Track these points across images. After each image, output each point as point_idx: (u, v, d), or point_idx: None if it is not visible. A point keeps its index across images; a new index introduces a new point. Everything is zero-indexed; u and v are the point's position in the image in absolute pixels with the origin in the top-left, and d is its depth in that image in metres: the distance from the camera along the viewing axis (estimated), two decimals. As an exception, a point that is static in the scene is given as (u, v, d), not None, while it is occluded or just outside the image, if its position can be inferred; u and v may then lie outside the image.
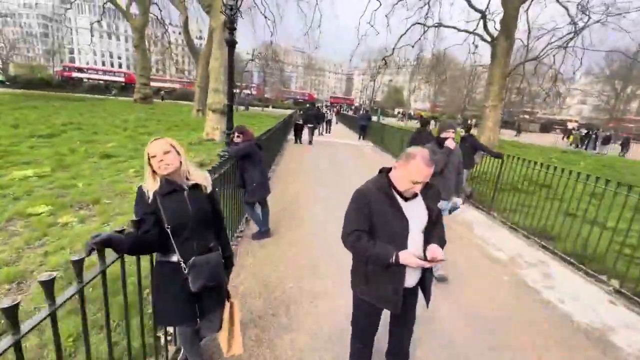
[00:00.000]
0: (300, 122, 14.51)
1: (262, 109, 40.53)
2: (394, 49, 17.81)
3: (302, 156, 11.33)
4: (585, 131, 30.89)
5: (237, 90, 30.85)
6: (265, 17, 18.66)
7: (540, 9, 15.25)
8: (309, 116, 15.21)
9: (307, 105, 28.64)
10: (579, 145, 24.95)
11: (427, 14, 17.16)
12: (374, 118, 41.14)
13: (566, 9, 15.39)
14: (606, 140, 20.26)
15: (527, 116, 53.47)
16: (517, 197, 5.72)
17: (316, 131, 16.08)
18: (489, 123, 14.82)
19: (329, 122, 19.15)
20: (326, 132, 18.56)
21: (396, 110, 52.43)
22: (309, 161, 10.31)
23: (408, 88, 40.65)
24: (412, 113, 60.98)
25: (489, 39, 15.09)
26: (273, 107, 44.58)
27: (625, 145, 20.78)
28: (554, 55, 15.76)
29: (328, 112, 18.19)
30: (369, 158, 11.63)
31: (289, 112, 27.52)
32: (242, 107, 35.94)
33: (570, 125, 50.43)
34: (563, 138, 34.70)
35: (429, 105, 70.14)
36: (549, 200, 5.25)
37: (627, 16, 13.98)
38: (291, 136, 15.47)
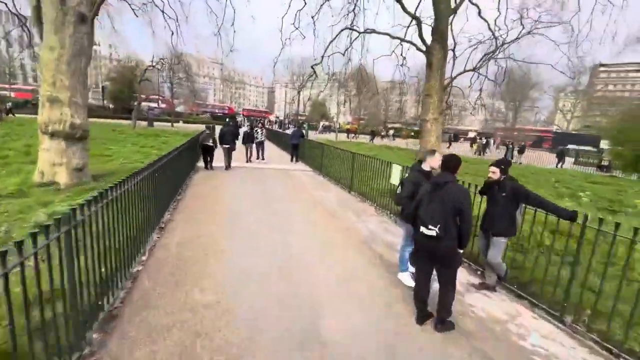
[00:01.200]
0: (210, 142, 10.93)
1: (172, 124, 34.63)
2: (322, 57, 15.61)
3: (214, 191, 7.81)
4: (485, 140, 34.47)
5: (136, 103, 24.88)
6: (165, 14, 14.45)
7: (465, 20, 14.73)
8: (225, 134, 11.69)
9: (227, 120, 24.76)
10: (482, 153, 27.40)
11: (354, 20, 15.44)
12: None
13: (487, 22, 15.37)
14: (521, 150, 21.78)
15: (437, 127, 58.54)
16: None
17: (241, 155, 12.63)
18: (431, 138, 13.52)
19: (260, 145, 13.95)
20: (259, 159, 14.06)
21: (320, 124, 51.50)
22: (221, 201, 6.91)
23: (337, 101, 39.75)
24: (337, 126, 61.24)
25: (423, 48, 13.98)
26: (186, 122, 38.75)
27: (521, 152, 22.98)
28: (486, 67, 15.58)
29: (259, 131, 13.49)
30: (314, 192, 8.78)
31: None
32: (144, 123, 29.79)
33: (471, 135, 56.96)
34: (471, 145, 37.95)
35: (351, 118, 72.21)
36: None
37: (554, 29, 14.31)
38: (201, 162, 11.70)
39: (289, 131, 36.43)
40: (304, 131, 14.13)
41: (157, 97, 38.57)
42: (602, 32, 14.70)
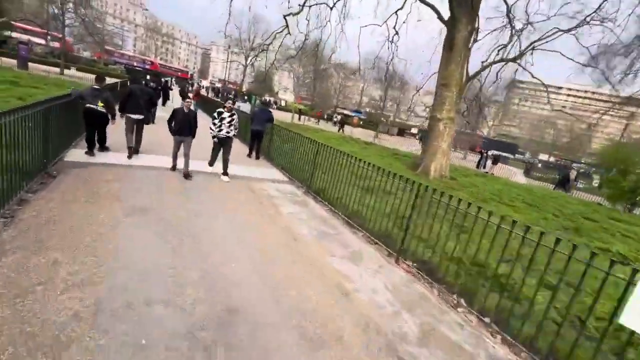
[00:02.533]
0: (98, 107, 5.67)
1: (62, 70, 24.91)
2: (302, 5, 10.73)
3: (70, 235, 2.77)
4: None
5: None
6: None
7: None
8: (135, 95, 6.36)
9: (147, 76, 17.95)
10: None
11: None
12: (245, 106, 32.58)
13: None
14: (496, 160, 20.44)
15: (384, 120, 57.57)
16: None
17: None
18: (442, 143, 10.10)
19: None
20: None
21: (265, 99, 45.29)
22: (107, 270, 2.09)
23: (294, 74, 34.18)
24: (283, 103, 55.49)
25: (445, 17, 10.23)
26: (83, 69, 28.64)
27: (495, 162, 22.23)
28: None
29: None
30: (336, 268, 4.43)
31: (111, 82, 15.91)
32: (13, 61, 20.19)
33: (414, 130, 57.70)
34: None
35: (294, 97, 66.83)
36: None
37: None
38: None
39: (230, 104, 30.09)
40: (270, 110, 9.08)
41: (32, 29, 27.38)
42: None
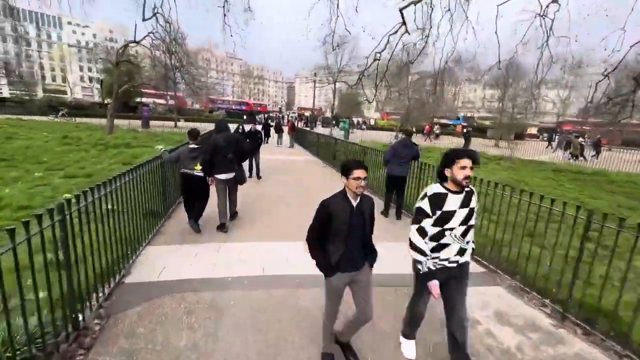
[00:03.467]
0: (192, 171, 3.81)
1: (175, 123, 27.81)
2: (403, 9, 7.84)
3: None
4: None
5: (109, 99, 17.60)
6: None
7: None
8: (220, 146, 4.42)
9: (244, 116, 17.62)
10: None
11: None
12: (336, 133, 30.89)
13: None
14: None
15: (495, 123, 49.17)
16: None
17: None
18: None
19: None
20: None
21: (355, 120, 43.63)
22: None
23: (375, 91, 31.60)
24: (372, 122, 53.11)
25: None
26: (191, 119, 31.73)
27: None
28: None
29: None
30: None
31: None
32: (138, 122, 23.10)
33: (532, 131, 47.47)
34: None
35: (379, 113, 63.63)
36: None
37: None
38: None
39: (320, 129, 27.89)
40: (415, 144, 5.73)
41: (156, 92, 31.76)
42: None
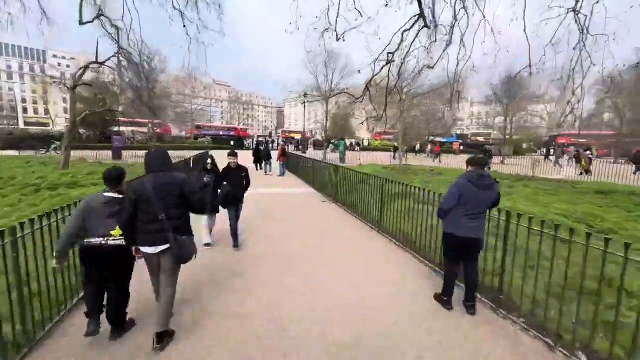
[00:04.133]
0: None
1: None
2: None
3: None
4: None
5: (66, 125, 14.66)
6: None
7: None
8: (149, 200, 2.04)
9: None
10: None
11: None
12: (330, 155, 28.75)
13: None
14: None
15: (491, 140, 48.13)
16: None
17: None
18: None
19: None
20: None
21: (348, 141, 41.85)
22: None
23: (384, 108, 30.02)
24: (365, 142, 51.54)
25: None
26: (173, 147, 29.27)
27: None
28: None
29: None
30: None
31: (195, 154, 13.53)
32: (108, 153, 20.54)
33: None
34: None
35: (371, 134, 62.40)
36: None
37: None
38: None
39: (312, 153, 25.76)
40: (496, 181, 3.10)
41: (135, 120, 29.49)
42: None
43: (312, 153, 26.48)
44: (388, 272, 4.27)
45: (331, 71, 23.92)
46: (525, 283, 3.15)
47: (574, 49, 7.13)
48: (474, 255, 3.22)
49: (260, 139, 52.12)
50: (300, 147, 36.67)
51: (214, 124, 56.42)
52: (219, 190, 4.81)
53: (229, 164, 5.02)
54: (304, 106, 31.55)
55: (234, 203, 4.91)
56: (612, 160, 24.66)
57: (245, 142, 45.65)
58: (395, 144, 33.76)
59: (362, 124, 36.67)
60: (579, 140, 43.78)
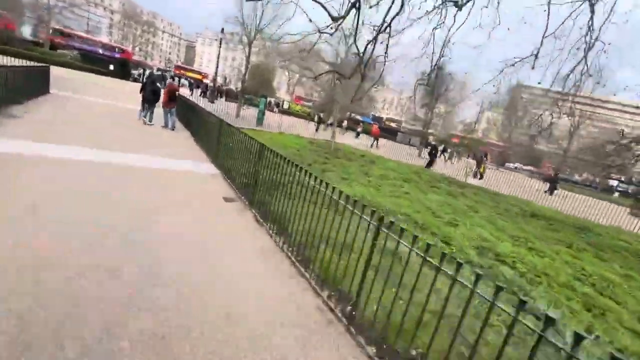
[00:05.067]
0: None
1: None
2: None
3: None
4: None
5: None
6: None
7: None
8: None
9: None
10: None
11: None
12: (245, 112, 23.49)
13: None
14: None
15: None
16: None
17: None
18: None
19: None
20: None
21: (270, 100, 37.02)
22: None
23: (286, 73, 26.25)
24: (285, 105, 47.01)
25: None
26: (19, 55, 19.31)
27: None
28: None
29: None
30: None
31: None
32: None
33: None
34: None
35: (290, 96, 58.41)
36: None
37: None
38: None
39: (224, 105, 21.40)
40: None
41: None
42: None
43: (223, 105, 21.35)
44: None
45: (261, 7, 18.72)
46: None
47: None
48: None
49: (158, 72, 41.93)
50: (206, 94, 30.29)
51: (94, 37, 42.29)
52: None
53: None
54: (219, 43, 25.23)
55: None
56: (495, 168, 27.92)
57: (133, 72, 35.72)
58: (321, 114, 31.03)
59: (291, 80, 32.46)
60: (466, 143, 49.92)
